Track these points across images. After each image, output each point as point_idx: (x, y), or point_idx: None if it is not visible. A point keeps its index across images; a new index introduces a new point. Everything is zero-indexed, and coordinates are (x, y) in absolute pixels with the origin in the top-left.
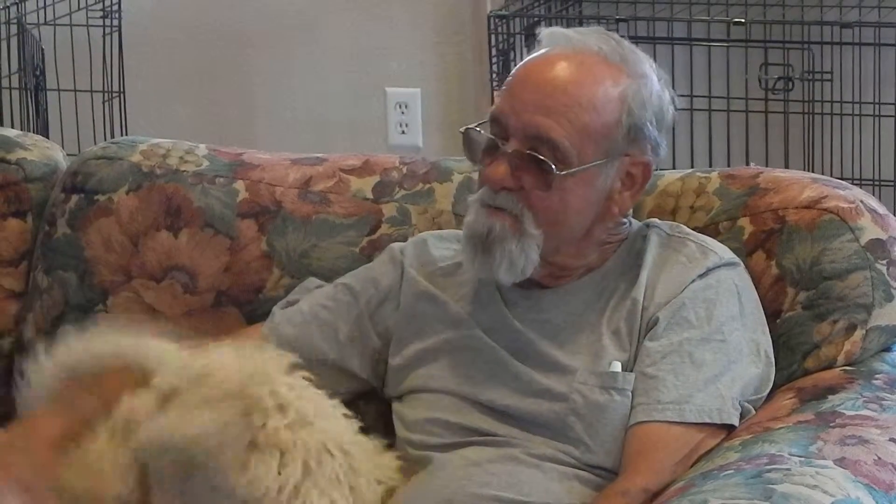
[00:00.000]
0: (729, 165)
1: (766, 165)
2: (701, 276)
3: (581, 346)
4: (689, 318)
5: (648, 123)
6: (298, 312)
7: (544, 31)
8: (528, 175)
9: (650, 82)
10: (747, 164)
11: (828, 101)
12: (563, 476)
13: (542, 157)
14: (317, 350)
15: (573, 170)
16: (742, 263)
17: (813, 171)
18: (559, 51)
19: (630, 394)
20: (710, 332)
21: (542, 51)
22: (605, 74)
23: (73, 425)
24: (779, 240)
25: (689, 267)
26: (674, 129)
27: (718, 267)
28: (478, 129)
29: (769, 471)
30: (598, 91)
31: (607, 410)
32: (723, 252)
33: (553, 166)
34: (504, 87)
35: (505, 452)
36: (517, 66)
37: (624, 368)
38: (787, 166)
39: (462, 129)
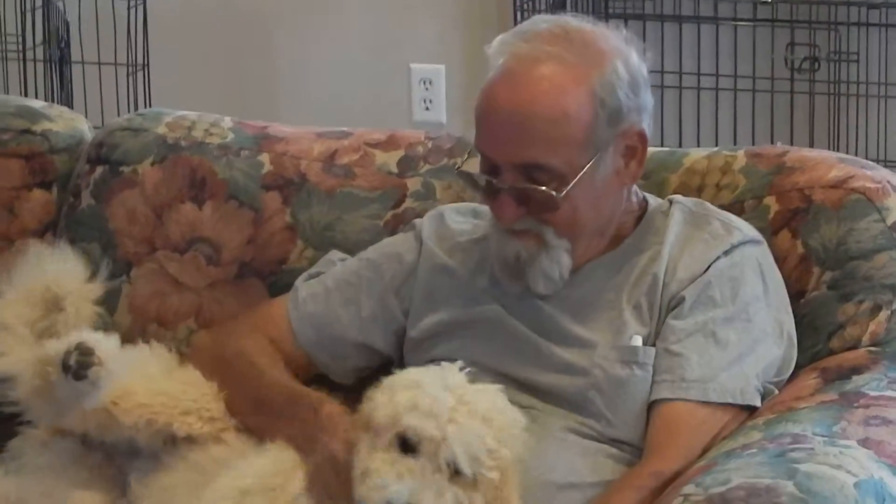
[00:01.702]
0: (754, 145)
1: (792, 146)
2: (726, 252)
3: (602, 321)
4: (715, 296)
5: (624, 98)
6: (322, 288)
7: (493, 45)
8: (533, 201)
9: (612, 58)
10: (772, 143)
11: (854, 82)
12: (587, 451)
13: (539, 187)
14: (340, 327)
15: (572, 183)
16: (765, 241)
17: (838, 152)
18: (515, 68)
19: (651, 368)
20: (736, 312)
21: (499, 70)
22: (566, 78)
23: None
24: (805, 219)
25: (713, 244)
26: (699, 107)
27: (743, 244)
28: (469, 170)
29: (793, 450)
30: (566, 100)
31: (628, 385)
32: (747, 229)
33: (553, 192)
34: (476, 118)
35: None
36: (481, 92)
37: (644, 343)
38: (812, 146)
39: (456, 171)
